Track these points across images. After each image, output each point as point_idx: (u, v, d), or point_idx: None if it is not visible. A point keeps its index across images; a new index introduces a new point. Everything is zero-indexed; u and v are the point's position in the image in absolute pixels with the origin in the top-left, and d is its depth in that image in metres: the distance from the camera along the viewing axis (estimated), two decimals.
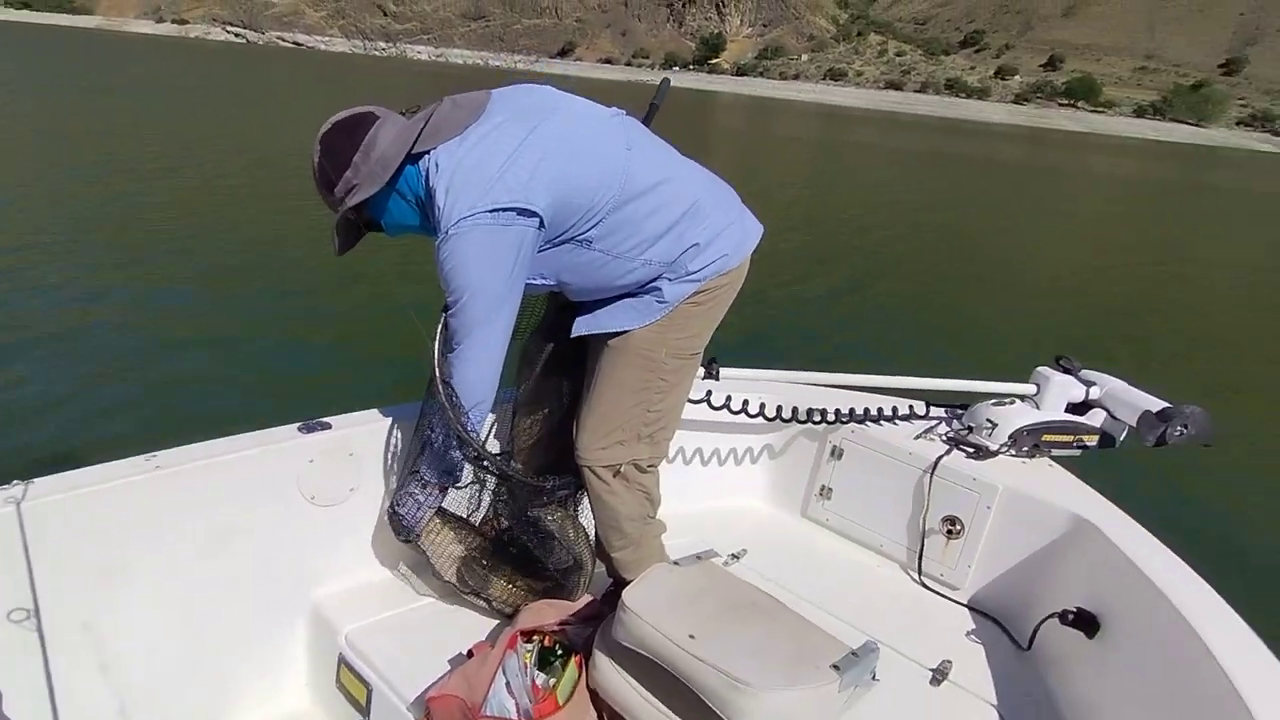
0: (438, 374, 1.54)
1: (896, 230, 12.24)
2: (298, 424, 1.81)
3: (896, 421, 2.28)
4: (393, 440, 1.87)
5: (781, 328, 6.22)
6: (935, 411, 2.34)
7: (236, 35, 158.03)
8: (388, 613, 1.78)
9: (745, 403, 2.16)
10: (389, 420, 1.88)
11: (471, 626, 1.76)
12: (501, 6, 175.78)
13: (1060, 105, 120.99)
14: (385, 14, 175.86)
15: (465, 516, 1.76)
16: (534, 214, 1.42)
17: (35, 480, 1.48)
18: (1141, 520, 1.89)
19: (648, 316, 1.59)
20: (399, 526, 1.68)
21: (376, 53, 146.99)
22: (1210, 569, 1.70)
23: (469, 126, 1.46)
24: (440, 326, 1.55)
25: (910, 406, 2.33)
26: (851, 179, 20.23)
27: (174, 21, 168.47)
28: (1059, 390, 2.23)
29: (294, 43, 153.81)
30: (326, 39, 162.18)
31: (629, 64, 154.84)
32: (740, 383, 2.21)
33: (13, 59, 36.61)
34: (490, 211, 1.39)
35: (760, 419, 2.21)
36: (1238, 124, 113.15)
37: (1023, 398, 2.28)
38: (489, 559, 1.77)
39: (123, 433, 3.86)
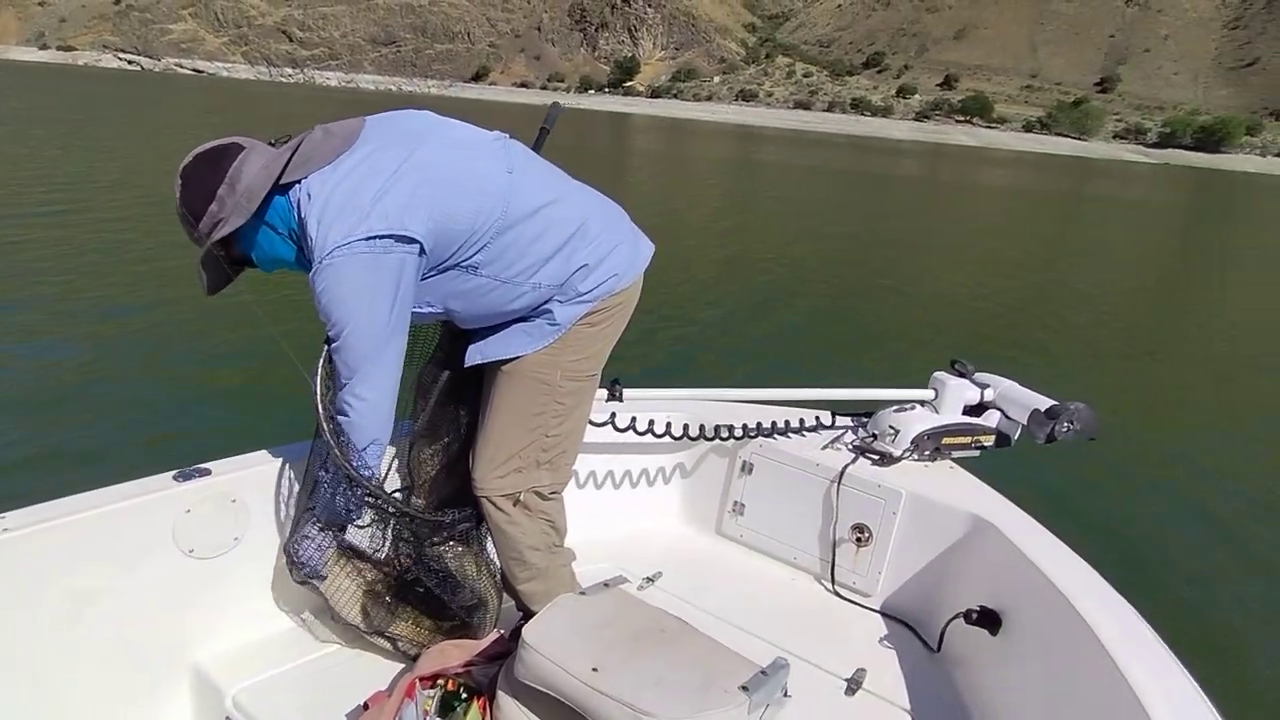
0: (321, 413, 1.45)
1: (804, 246, 12.59)
2: (173, 472, 1.68)
3: (804, 433, 2.30)
4: (281, 484, 1.76)
5: (686, 346, 6.24)
6: (841, 421, 2.37)
7: (130, 62, 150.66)
8: (279, 668, 1.67)
9: (651, 423, 2.14)
10: (276, 462, 1.77)
11: (371, 675, 1.66)
12: (412, 32, 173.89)
13: (957, 122, 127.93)
14: (291, 40, 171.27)
15: (369, 554, 1.66)
16: (413, 240, 1.37)
17: None
18: (1038, 516, 1.95)
19: (540, 340, 1.55)
20: (297, 568, 1.58)
21: (283, 79, 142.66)
22: (1101, 559, 1.76)
23: (341, 155, 1.41)
24: (322, 361, 1.47)
25: (817, 417, 2.35)
26: (762, 196, 20.73)
27: (59, 49, 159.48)
28: (955, 394, 2.29)
29: (193, 69, 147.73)
30: (229, 65, 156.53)
31: (544, 87, 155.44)
32: (645, 403, 2.18)
33: None
34: (366, 239, 1.34)
35: (668, 438, 2.19)
36: (1114, 137, 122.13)
37: (922, 403, 2.33)
38: (393, 597, 1.68)
39: None
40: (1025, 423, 2.21)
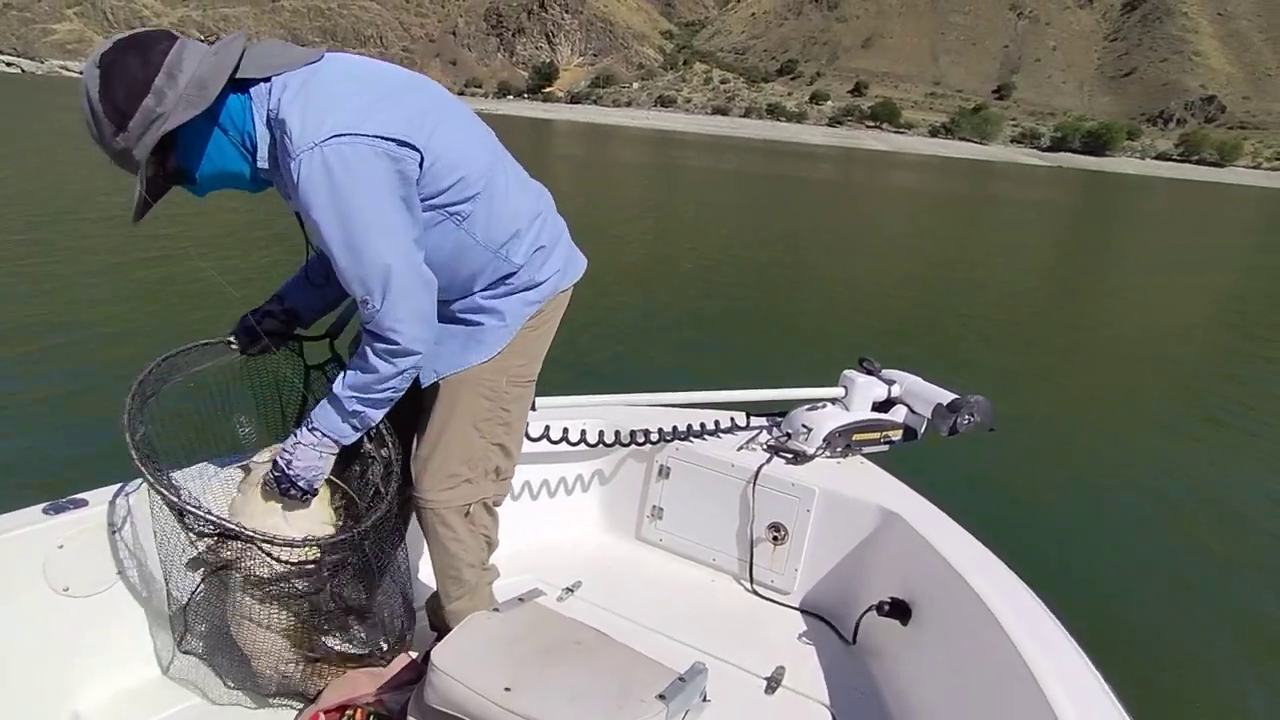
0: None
1: (720, 250, 12.79)
2: (43, 504, 1.55)
3: (720, 435, 2.31)
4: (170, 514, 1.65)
5: (600, 351, 6.20)
6: (756, 421, 2.40)
7: (9, 64, 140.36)
8: (167, 712, 1.55)
9: (566, 431, 2.11)
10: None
11: (272, 715, 1.57)
12: (321, 35, 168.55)
13: (868, 127, 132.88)
14: None
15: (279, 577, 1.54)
16: (417, 150, 1.23)
17: None
18: (944, 506, 2.02)
19: (492, 347, 1.48)
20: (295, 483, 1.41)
21: None
22: (1003, 545, 1.83)
23: (311, 64, 1.25)
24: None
25: (732, 419, 2.37)
26: (680, 201, 20.95)
27: None
28: (864, 391, 2.35)
29: (80, 72, 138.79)
30: None
31: (461, 93, 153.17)
32: (559, 410, 2.16)
33: None
34: (371, 136, 1.18)
35: (583, 446, 2.17)
36: (1011, 141, 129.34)
37: (833, 401, 2.38)
38: (299, 621, 1.57)
39: None
40: (930, 416, 2.28)
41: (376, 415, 1.42)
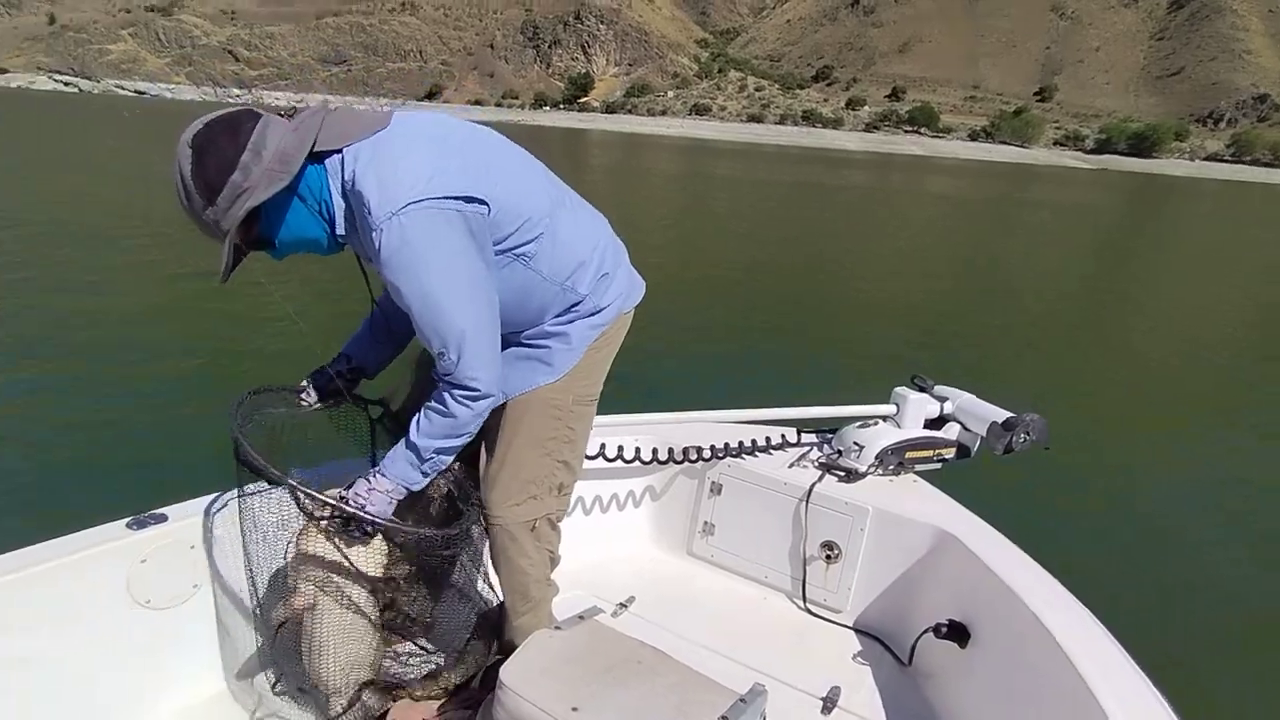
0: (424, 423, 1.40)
1: (762, 261, 12.75)
2: (126, 519, 1.63)
3: (770, 452, 2.32)
4: (245, 527, 1.71)
5: (649, 369, 6.23)
6: (806, 439, 2.41)
7: (67, 84, 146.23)
8: None
9: (620, 448, 2.15)
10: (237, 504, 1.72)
11: None
12: (363, 51, 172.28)
13: (906, 132, 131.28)
14: (237, 59, 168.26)
15: (368, 575, 1.51)
16: (483, 202, 1.32)
17: None
18: (998, 525, 2.01)
19: (559, 369, 1.55)
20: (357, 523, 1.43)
21: (230, 100, 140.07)
22: (1060, 565, 1.82)
23: (379, 131, 1.33)
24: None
25: (783, 436, 2.38)
26: (719, 211, 20.96)
27: None
28: (916, 408, 2.34)
29: (135, 91, 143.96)
30: (173, 87, 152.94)
31: (498, 104, 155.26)
32: (612, 428, 2.19)
33: None
34: (439, 198, 1.26)
35: (637, 463, 2.20)
36: (1054, 144, 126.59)
37: (885, 418, 2.38)
38: (377, 635, 1.61)
39: None
40: (984, 435, 2.27)
41: (449, 460, 1.49)
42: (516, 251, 1.41)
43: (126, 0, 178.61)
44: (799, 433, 2.42)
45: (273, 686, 1.64)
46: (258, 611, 1.55)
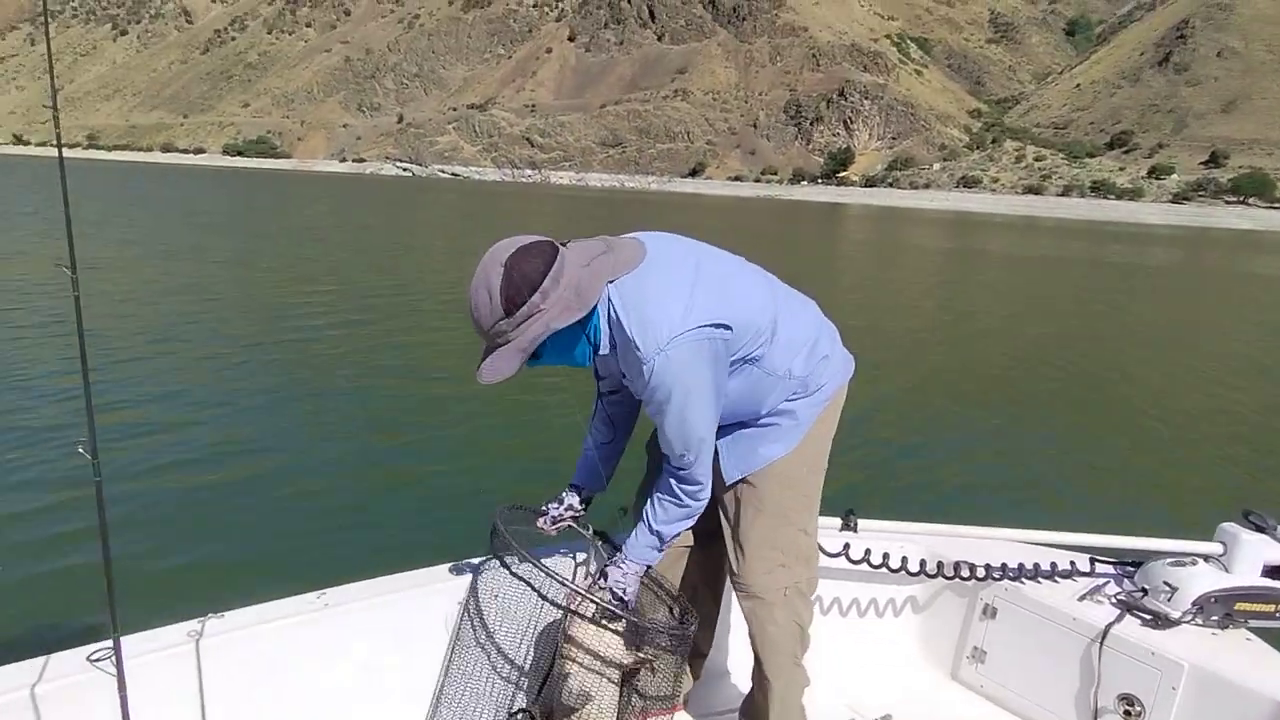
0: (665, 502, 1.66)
1: (1043, 351, 11.37)
2: (449, 564, 1.91)
3: (1057, 580, 2.10)
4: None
5: (913, 474, 5.87)
6: (1102, 569, 2.14)
7: (404, 169, 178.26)
8: None
9: (885, 555, 2.08)
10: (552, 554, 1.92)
11: None
12: (637, 134, 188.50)
13: (1227, 203, 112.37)
14: (532, 145, 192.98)
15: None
16: (729, 327, 1.52)
17: (212, 616, 1.58)
18: None
19: (790, 441, 1.69)
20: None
21: (523, 180, 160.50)
22: None
23: (638, 264, 1.53)
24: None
25: (1072, 562, 2.15)
26: (989, 291, 19.36)
27: (354, 161, 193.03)
28: (1252, 550, 1.99)
29: (452, 173, 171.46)
30: (480, 169, 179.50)
31: (757, 180, 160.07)
32: (876, 534, 2.13)
33: (224, 196, 43.13)
34: (696, 328, 1.48)
35: (903, 572, 2.11)
36: None
37: (1206, 557, 2.05)
38: None
39: (298, 566, 3.94)
40: None
41: (674, 540, 1.72)
42: (749, 358, 1.60)
43: (455, 100, 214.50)
44: (1092, 562, 2.17)
45: None
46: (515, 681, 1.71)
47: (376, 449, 6.06)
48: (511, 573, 1.65)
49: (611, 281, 1.50)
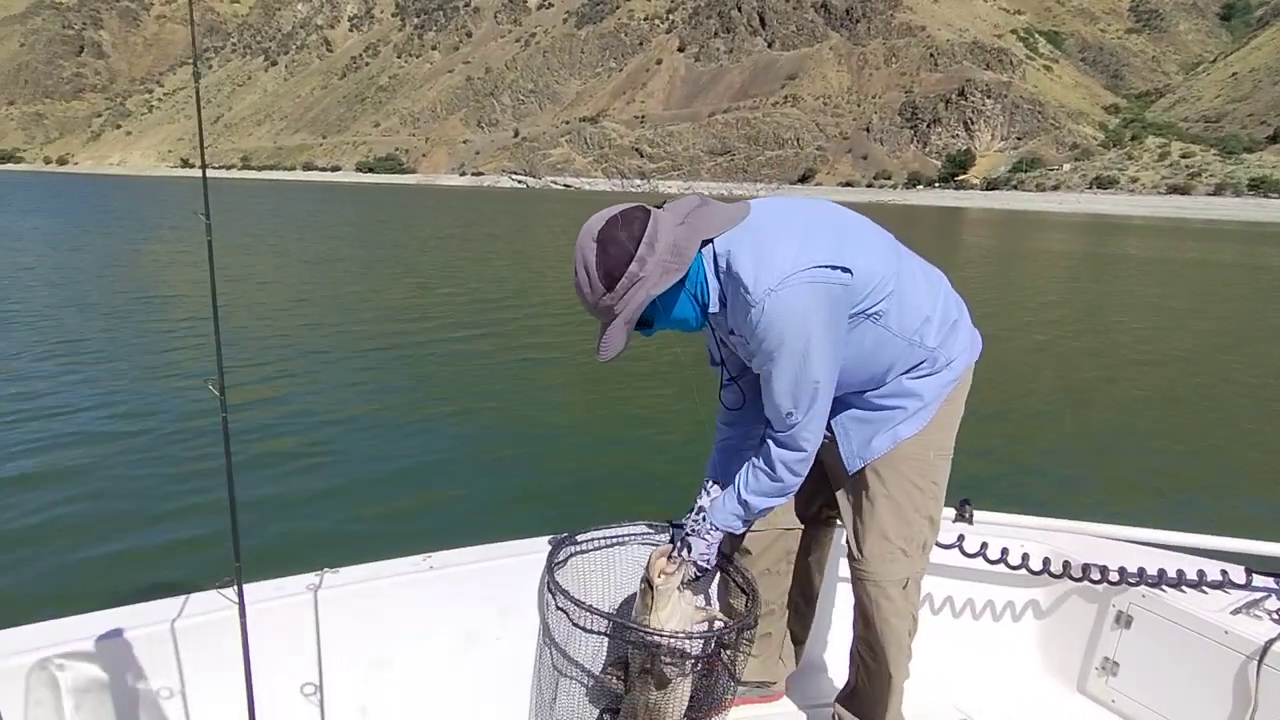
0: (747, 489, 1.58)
1: (1188, 350, 10.55)
2: (547, 536, 1.94)
3: (1205, 589, 1.90)
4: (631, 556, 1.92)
5: (1041, 468, 5.51)
6: (1260, 581, 1.92)
7: (519, 181, 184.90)
8: None
9: (1005, 551, 1.94)
10: (628, 539, 1.93)
11: None
12: (745, 142, 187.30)
13: None
14: (641, 155, 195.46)
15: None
16: (848, 270, 1.41)
17: (329, 571, 1.67)
18: None
19: (917, 424, 1.60)
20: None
21: (633, 189, 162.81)
22: None
23: (743, 219, 1.47)
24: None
25: (1223, 572, 1.93)
26: (1129, 292, 17.99)
27: (473, 174, 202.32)
28: None
29: (564, 185, 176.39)
30: (590, 180, 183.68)
31: (870, 185, 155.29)
32: (998, 528, 2.00)
33: (355, 211, 46.28)
34: (811, 268, 1.38)
35: (1024, 571, 1.96)
36: None
37: None
38: None
39: (406, 530, 4.34)
40: None
41: (767, 513, 1.66)
42: (869, 312, 1.48)
43: (568, 113, 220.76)
44: (1248, 572, 1.94)
45: None
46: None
47: (488, 427, 6.38)
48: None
49: (718, 235, 1.44)
